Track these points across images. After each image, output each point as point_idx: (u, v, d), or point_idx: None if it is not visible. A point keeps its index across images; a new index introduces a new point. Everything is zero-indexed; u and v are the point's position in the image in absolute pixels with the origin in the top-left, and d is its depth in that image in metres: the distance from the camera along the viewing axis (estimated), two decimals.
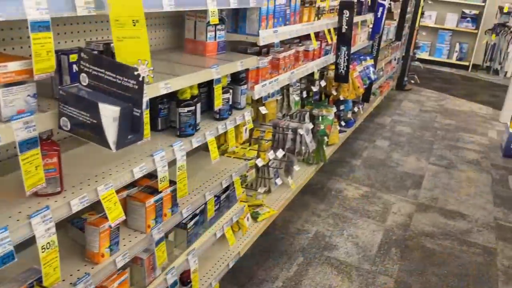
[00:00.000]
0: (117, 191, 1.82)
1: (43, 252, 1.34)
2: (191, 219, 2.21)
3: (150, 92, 1.62)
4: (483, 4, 10.14)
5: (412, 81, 8.37)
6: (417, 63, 8.51)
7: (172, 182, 1.93)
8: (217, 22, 1.92)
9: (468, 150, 5.41)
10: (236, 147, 2.97)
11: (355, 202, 3.94)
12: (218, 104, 2.08)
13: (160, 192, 1.86)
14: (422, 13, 7.85)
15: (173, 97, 1.99)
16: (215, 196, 2.39)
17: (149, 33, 2.24)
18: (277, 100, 3.45)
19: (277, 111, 3.54)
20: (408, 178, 4.51)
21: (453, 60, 10.65)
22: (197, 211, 2.26)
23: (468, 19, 10.39)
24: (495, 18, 9.76)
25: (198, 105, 2.01)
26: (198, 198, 2.16)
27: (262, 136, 3.28)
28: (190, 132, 1.98)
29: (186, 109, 1.93)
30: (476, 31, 10.32)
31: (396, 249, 3.30)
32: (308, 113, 3.92)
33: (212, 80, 2.03)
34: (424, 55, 10.74)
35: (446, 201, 4.08)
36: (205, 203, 2.26)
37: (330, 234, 3.42)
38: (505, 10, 9.48)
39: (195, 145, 1.98)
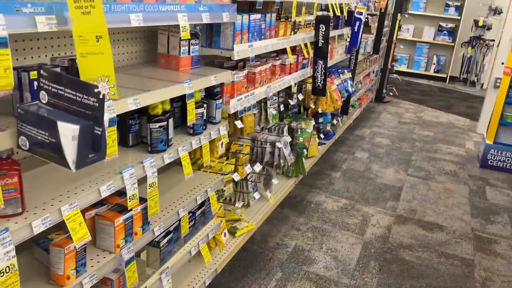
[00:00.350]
0: (85, 210, 1.78)
1: (1, 276, 1.28)
2: (165, 236, 2.16)
3: (118, 108, 1.59)
4: (459, 17, 10.40)
5: (391, 93, 8.49)
6: (395, 75, 8.65)
7: (143, 200, 1.88)
8: (189, 37, 1.90)
9: (445, 161, 5.48)
10: (213, 161, 2.94)
11: (334, 215, 3.93)
12: (191, 119, 2.05)
13: (130, 210, 1.81)
14: (400, 27, 8.00)
15: (144, 112, 1.95)
16: (189, 212, 2.35)
17: (122, 47, 2.21)
18: (254, 113, 3.44)
19: (255, 125, 3.53)
20: (387, 190, 4.54)
21: (431, 72, 10.86)
22: (171, 228, 2.21)
23: (445, 32, 10.65)
24: (470, 31, 10.01)
25: (171, 120, 1.98)
26: (171, 215, 2.11)
27: (240, 150, 3.26)
28: (162, 148, 1.94)
29: (158, 124, 1.89)
30: (452, 44, 10.57)
31: (375, 262, 3.29)
32: (286, 126, 3.92)
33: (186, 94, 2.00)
34: (403, 68, 10.95)
35: (424, 213, 4.11)
36: (179, 220, 2.21)
37: (309, 248, 3.40)
38: (480, 24, 9.74)
39: (167, 161, 1.95)
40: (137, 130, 1.99)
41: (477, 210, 4.26)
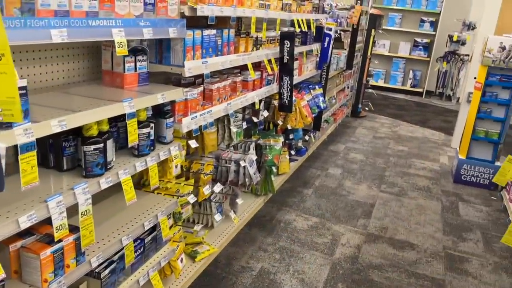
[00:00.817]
0: (10, 241, 1.63)
1: None
2: (107, 267, 2.00)
3: (38, 131, 1.45)
4: (434, 33, 10.54)
5: (367, 108, 8.48)
6: (370, 90, 8.65)
7: (76, 229, 1.74)
8: (126, 53, 1.79)
9: (419, 177, 5.43)
10: (170, 182, 2.80)
11: (303, 234, 3.81)
12: (132, 140, 1.93)
13: (60, 241, 1.66)
14: (374, 42, 8.03)
15: (80, 133, 1.82)
16: (138, 239, 2.21)
17: (61, 64, 2.08)
18: (217, 131, 3.33)
19: (219, 143, 3.41)
20: (358, 207, 4.44)
21: (407, 87, 10.94)
22: (115, 258, 2.06)
23: (420, 47, 10.77)
24: (445, 46, 10.12)
25: (109, 141, 1.84)
26: (113, 243, 1.97)
27: (202, 170, 3.13)
28: (98, 172, 1.80)
29: (92, 147, 1.76)
30: (428, 58, 10.68)
31: (342, 284, 3.17)
32: (253, 143, 3.82)
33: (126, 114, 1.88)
34: (380, 83, 11.01)
35: (396, 230, 4.02)
36: (123, 249, 2.06)
37: (276, 271, 3.26)
38: (454, 39, 9.86)
39: (104, 186, 1.81)
40: (72, 152, 1.85)
41: (449, 227, 4.19)
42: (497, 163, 5.14)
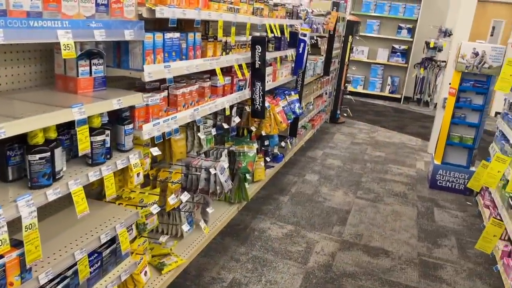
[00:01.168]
0: None
1: None
2: (59, 283, 1.89)
3: None
4: (411, 39, 10.65)
5: (345, 114, 8.48)
6: (349, 96, 8.66)
7: (21, 244, 1.62)
8: (74, 56, 1.69)
9: (395, 183, 5.41)
10: (133, 191, 2.70)
11: (277, 243, 3.73)
12: (83, 148, 1.82)
13: (1, 257, 1.54)
14: (351, 49, 8.05)
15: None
16: (95, 252, 2.09)
17: (10, 68, 1.97)
18: (186, 138, 3.23)
19: (189, 150, 3.32)
20: (334, 213, 4.38)
21: (386, 93, 11.02)
22: (69, 273, 1.94)
23: (398, 54, 10.87)
24: (422, 52, 10.24)
25: (58, 150, 1.73)
26: (64, 258, 1.85)
27: (169, 178, 3.03)
28: (45, 183, 1.69)
29: (38, 156, 1.65)
30: (406, 65, 10.79)
31: None
32: (225, 150, 3.73)
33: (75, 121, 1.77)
34: (359, 89, 11.06)
35: (371, 237, 3.97)
36: (76, 263, 1.94)
37: (247, 282, 3.17)
38: (431, 45, 9.97)
39: (51, 198, 1.69)
40: (18, 162, 1.73)
41: (424, 233, 4.16)
42: (472, 168, 5.16)
